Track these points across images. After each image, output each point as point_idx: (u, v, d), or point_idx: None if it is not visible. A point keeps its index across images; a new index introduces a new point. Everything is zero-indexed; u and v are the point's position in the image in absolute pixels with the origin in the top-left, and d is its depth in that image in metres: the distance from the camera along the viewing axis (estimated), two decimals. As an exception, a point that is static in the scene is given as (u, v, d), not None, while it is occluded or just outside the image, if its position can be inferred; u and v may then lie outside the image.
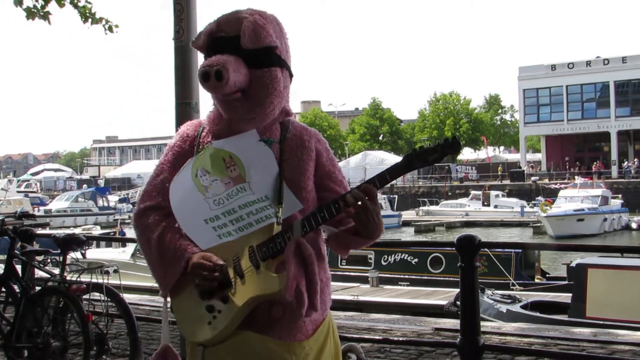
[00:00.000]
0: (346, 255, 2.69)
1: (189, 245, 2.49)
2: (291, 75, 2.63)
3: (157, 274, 2.55)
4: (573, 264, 15.19)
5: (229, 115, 2.55)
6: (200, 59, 2.63)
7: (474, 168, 71.41)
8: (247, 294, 2.43)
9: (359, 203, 2.44)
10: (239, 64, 2.44)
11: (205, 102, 2.82)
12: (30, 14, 8.27)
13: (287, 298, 2.39)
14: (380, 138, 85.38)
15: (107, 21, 8.53)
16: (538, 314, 13.59)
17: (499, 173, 65.33)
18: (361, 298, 18.25)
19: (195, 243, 2.49)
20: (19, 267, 6.06)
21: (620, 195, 48.04)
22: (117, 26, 8.64)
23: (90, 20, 8.43)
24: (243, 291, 2.44)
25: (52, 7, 8.36)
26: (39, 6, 8.32)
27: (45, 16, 8.33)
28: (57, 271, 5.79)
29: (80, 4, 8.34)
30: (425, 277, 20.35)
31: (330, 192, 2.64)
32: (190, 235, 2.48)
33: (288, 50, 2.62)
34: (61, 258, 5.79)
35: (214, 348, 2.47)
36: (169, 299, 2.60)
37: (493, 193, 51.97)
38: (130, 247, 21.98)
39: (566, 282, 17.57)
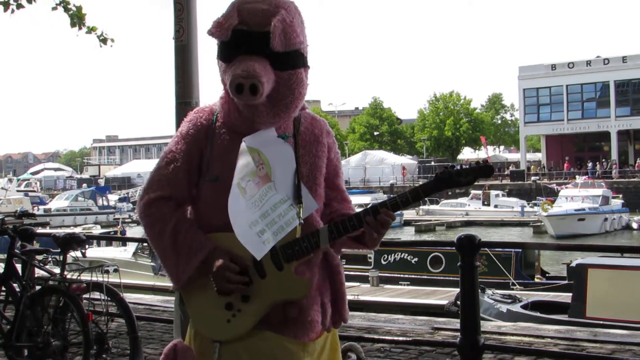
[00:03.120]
0: (338, 253, 2.62)
1: (206, 239, 2.42)
2: (309, 67, 2.53)
3: (169, 267, 2.47)
4: (573, 264, 15.18)
5: (252, 117, 2.44)
6: (200, 58, 2.60)
7: (474, 168, 71.24)
8: (270, 295, 2.40)
9: (383, 225, 2.43)
10: (268, 70, 2.35)
11: (204, 102, 2.74)
12: (5, 5, 8.02)
13: (307, 308, 2.42)
14: (376, 134, 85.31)
15: (102, 33, 8.19)
16: (538, 314, 13.60)
17: (506, 172, 65.09)
18: (361, 297, 18.25)
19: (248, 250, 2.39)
20: (19, 266, 6.06)
21: (620, 195, 48.06)
22: (112, 40, 8.30)
23: (80, 27, 8.08)
24: (265, 291, 2.40)
25: (42, 2, 8.04)
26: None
27: (19, 6, 7.96)
28: (57, 270, 5.80)
29: (71, 10, 8.01)
30: (425, 277, 20.37)
31: (335, 190, 2.63)
32: (245, 244, 2.36)
33: (306, 40, 2.51)
34: (61, 257, 5.79)
35: (230, 345, 2.42)
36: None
37: (493, 193, 51.99)
38: (131, 246, 21.98)
39: (566, 282, 17.58)
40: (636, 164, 60.98)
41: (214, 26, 2.44)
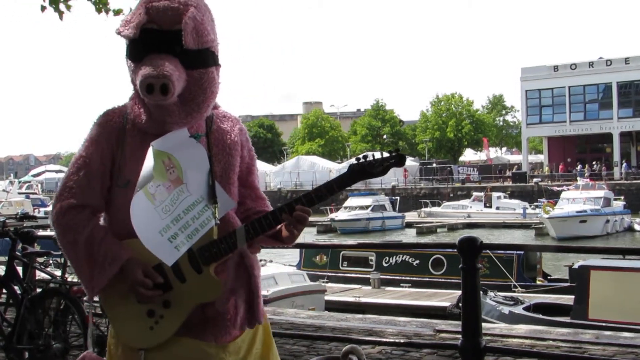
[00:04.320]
0: (257, 252, 2.60)
1: (122, 248, 2.38)
2: (220, 66, 2.50)
3: (84, 277, 2.41)
4: (575, 266, 15.21)
5: (162, 118, 2.40)
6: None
7: (475, 170, 71.33)
8: (190, 299, 2.40)
9: (300, 221, 2.41)
10: (179, 69, 2.31)
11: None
12: (42, 7, 8.01)
13: (220, 308, 2.41)
14: (383, 136, 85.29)
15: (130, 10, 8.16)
16: (540, 316, 13.61)
17: (508, 174, 64.95)
18: (362, 299, 18.29)
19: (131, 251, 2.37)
20: (20, 269, 6.06)
21: (622, 197, 48.01)
22: None
23: (107, 12, 8.01)
24: (185, 295, 2.40)
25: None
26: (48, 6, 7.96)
27: (59, 8, 8.00)
28: (58, 273, 5.81)
29: None
30: (427, 279, 20.38)
31: (249, 188, 2.62)
32: (154, 252, 2.32)
33: (218, 40, 2.47)
34: (62, 260, 5.80)
35: (155, 352, 2.41)
36: (96, 302, 2.54)
37: (495, 194, 51.93)
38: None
39: (568, 284, 17.58)
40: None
41: (122, 25, 2.39)
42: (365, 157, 2.45)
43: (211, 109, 2.52)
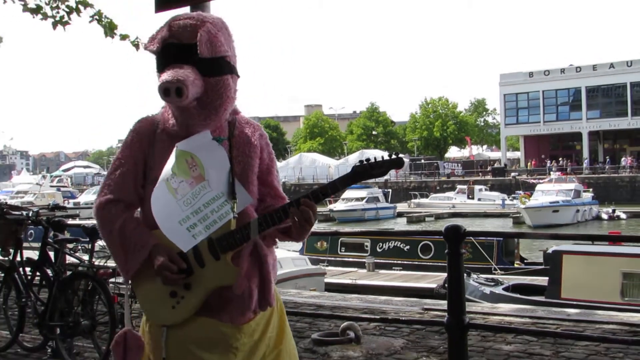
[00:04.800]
0: (272, 246, 2.63)
1: (150, 236, 2.44)
2: (238, 77, 2.54)
3: (119, 262, 2.49)
4: (549, 251, 15.19)
5: (185, 121, 2.46)
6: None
7: (459, 165, 71.33)
8: (208, 283, 2.42)
9: (305, 217, 2.40)
10: (195, 75, 2.36)
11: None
12: (53, 23, 7.95)
13: (237, 292, 2.42)
14: (374, 133, 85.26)
15: (136, 38, 8.01)
16: (518, 296, 13.60)
17: (490, 169, 64.90)
18: (358, 282, 18.29)
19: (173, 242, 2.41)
20: (52, 254, 6.05)
21: (591, 189, 48.01)
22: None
23: (113, 37, 7.92)
24: (204, 279, 2.43)
25: (73, 16, 7.92)
26: (57, 17, 7.86)
27: (64, 23, 7.86)
28: (86, 257, 5.79)
29: (104, 21, 7.90)
30: (416, 263, 20.38)
31: (268, 187, 2.62)
32: (171, 239, 2.38)
33: (235, 53, 2.52)
34: (90, 245, 5.79)
35: (176, 329, 2.45)
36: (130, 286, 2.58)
37: (477, 187, 51.98)
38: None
39: (543, 267, 17.58)
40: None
41: (148, 41, 2.49)
42: (367, 160, 2.46)
43: (229, 113, 2.54)
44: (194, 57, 2.37)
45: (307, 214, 2.40)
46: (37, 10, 7.87)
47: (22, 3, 7.93)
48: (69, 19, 7.90)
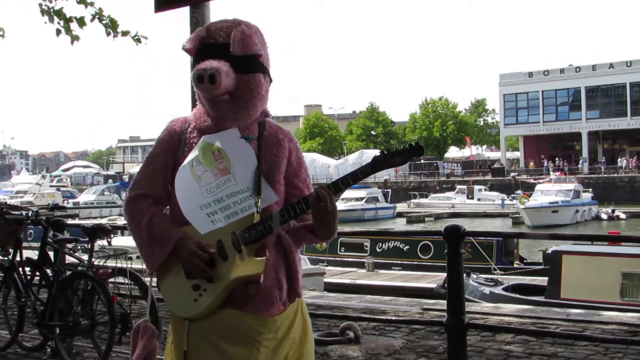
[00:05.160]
0: (298, 246, 2.66)
1: (176, 230, 2.50)
2: (271, 80, 2.64)
3: (146, 254, 2.55)
4: (549, 251, 15.17)
5: (216, 114, 2.54)
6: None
7: (459, 165, 71.33)
8: (232, 275, 2.45)
9: (321, 204, 2.42)
10: (228, 69, 2.45)
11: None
12: (57, 31, 8.03)
13: (265, 284, 2.45)
14: (373, 133, 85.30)
15: (136, 33, 8.11)
16: (518, 296, 13.61)
17: (489, 169, 64.94)
18: (358, 281, 18.29)
19: (193, 227, 2.48)
20: (51, 254, 6.05)
21: (590, 190, 48.03)
22: (145, 37, 8.22)
23: (115, 35, 7.99)
24: (227, 272, 2.46)
25: (75, 26, 8.02)
26: (62, 29, 7.97)
27: (73, 37, 8.01)
28: (85, 257, 5.79)
29: (104, 20, 7.96)
30: (416, 263, 20.39)
31: (294, 188, 2.65)
32: (190, 220, 2.46)
33: (269, 58, 2.63)
34: (89, 245, 5.79)
35: (198, 322, 2.49)
36: (154, 278, 2.63)
37: (476, 187, 52.00)
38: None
39: (542, 267, 17.58)
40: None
41: (186, 41, 2.59)
42: (388, 149, 2.52)
43: (259, 111, 2.62)
44: (228, 55, 2.48)
45: (325, 206, 2.42)
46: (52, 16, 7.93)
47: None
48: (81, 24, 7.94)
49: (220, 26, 2.55)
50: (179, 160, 2.56)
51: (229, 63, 2.46)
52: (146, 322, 2.68)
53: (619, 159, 59.60)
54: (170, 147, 2.61)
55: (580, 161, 61.65)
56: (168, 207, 2.64)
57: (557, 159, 62.73)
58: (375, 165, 2.49)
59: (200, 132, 2.58)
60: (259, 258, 2.47)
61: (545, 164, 60.84)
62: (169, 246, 2.48)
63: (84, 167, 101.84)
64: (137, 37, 8.08)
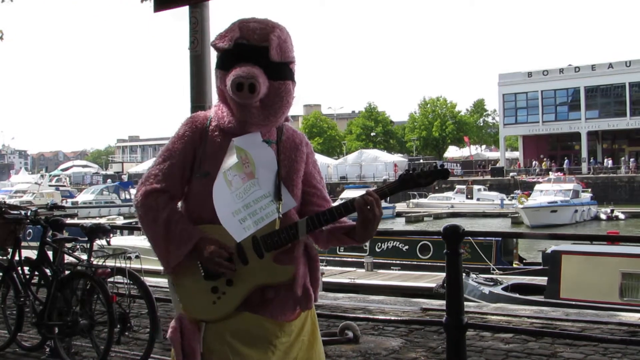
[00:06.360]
0: (325, 249, 2.69)
1: (195, 229, 2.46)
2: (295, 84, 2.60)
3: (159, 252, 2.49)
4: (548, 251, 15.16)
5: (244, 118, 2.49)
6: (212, 66, 2.60)
7: (458, 165, 71.35)
8: (254, 281, 2.45)
9: (369, 207, 2.41)
10: (263, 76, 2.41)
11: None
12: None
13: (298, 293, 2.47)
14: (372, 134, 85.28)
15: None
16: (517, 295, 13.59)
17: (488, 169, 64.98)
18: (357, 281, 18.25)
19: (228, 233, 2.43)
20: (50, 253, 6.05)
21: (589, 189, 48.04)
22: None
23: None
24: (247, 276, 2.45)
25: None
26: None
27: None
28: (84, 257, 5.78)
29: None
30: (415, 263, 20.34)
31: (313, 188, 2.66)
32: (227, 228, 2.41)
33: (295, 60, 2.59)
34: (88, 245, 5.78)
35: (215, 325, 2.47)
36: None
37: (476, 187, 52.02)
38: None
39: (541, 267, 17.55)
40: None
41: (217, 38, 2.52)
42: (414, 169, 2.54)
43: (284, 118, 2.61)
44: (264, 60, 2.43)
45: (373, 210, 2.41)
46: None
47: None
48: None
49: (254, 27, 2.49)
50: (200, 157, 2.53)
51: (262, 69, 2.42)
52: (184, 316, 2.52)
53: (620, 159, 59.53)
54: (191, 143, 2.54)
55: (568, 162, 61.45)
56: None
57: (546, 159, 62.71)
58: (403, 184, 2.51)
59: (223, 132, 2.54)
60: (281, 265, 2.46)
61: (534, 164, 60.78)
62: (188, 246, 2.44)
63: (83, 166, 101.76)
64: None
